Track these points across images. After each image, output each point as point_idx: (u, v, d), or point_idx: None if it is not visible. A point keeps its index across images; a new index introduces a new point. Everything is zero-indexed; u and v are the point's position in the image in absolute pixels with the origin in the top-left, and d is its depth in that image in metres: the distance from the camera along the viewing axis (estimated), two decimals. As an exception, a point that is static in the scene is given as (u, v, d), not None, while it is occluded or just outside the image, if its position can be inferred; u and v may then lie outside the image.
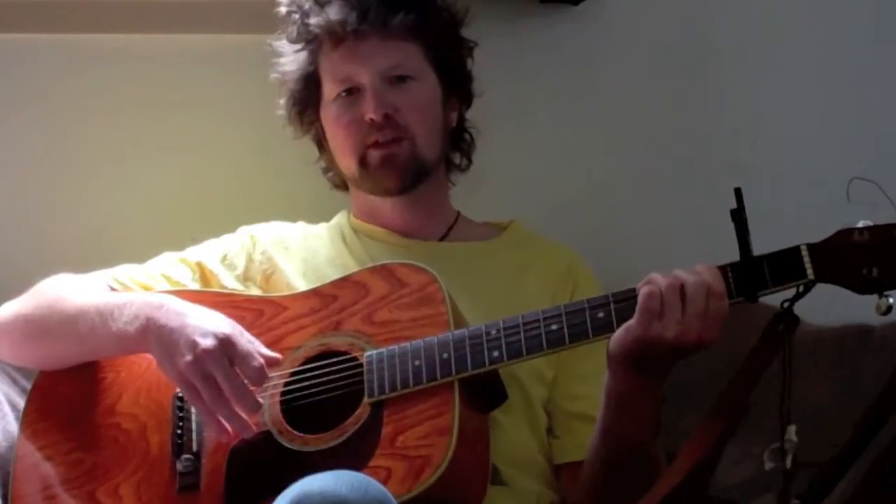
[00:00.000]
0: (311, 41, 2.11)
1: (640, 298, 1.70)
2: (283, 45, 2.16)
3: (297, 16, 2.12)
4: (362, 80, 2.07)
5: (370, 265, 1.97)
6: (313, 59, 2.12)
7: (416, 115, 2.08)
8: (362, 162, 2.09)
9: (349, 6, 2.06)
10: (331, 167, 2.22)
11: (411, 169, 2.08)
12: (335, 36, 2.08)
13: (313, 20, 2.09)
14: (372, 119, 2.05)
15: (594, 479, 1.89)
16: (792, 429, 1.67)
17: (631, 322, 1.71)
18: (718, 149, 2.59)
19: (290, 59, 2.15)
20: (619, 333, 1.73)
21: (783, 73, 2.59)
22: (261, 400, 1.83)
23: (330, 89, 2.11)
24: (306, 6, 2.10)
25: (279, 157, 2.41)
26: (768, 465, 1.68)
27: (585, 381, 2.00)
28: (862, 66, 2.60)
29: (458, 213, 2.22)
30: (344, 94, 2.09)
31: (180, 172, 2.49)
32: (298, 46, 2.13)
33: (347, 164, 2.12)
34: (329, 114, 2.12)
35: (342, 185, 2.23)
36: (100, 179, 2.49)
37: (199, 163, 2.50)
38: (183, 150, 2.50)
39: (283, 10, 2.15)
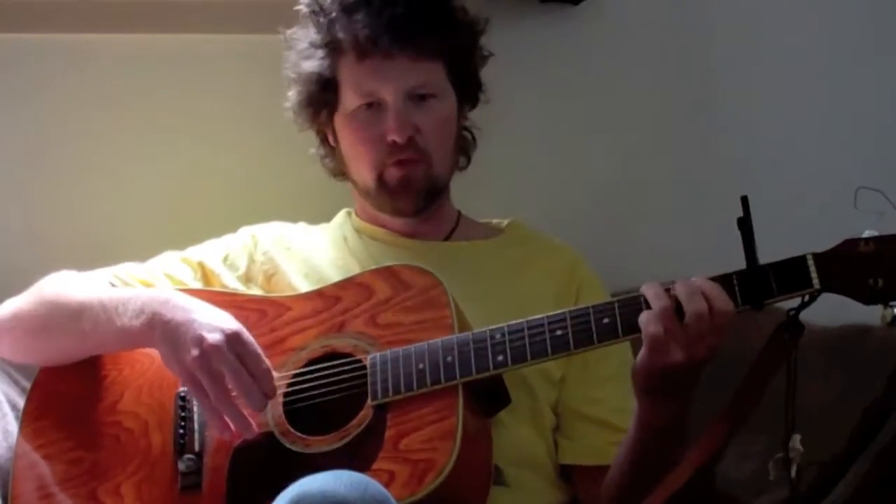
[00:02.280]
0: (336, 48, 2.08)
1: (642, 330, 1.71)
2: (301, 40, 2.12)
3: (322, 20, 2.08)
4: (386, 97, 2.04)
5: (374, 267, 1.97)
6: (334, 65, 2.09)
7: (436, 135, 2.07)
8: (380, 179, 2.07)
9: (379, 21, 2.02)
10: (329, 157, 2.20)
11: (426, 190, 2.08)
12: (362, 50, 2.04)
13: (342, 33, 2.05)
14: (394, 140, 2.03)
15: (619, 492, 1.91)
16: (797, 437, 1.67)
17: (642, 353, 1.72)
18: (720, 149, 2.60)
19: (310, 60, 2.10)
20: (636, 367, 1.74)
21: (788, 78, 2.60)
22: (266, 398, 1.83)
23: (351, 100, 2.08)
24: (333, 13, 2.07)
25: (279, 158, 2.41)
26: (773, 475, 1.68)
27: (603, 384, 2.02)
28: (869, 73, 2.61)
29: (460, 213, 2.22)
30: (365, 106, 2.07)
31: (180, 173, 2.50)
32: (321, 52, 2.09)
33: (363, 177, 2.10)
34: (348, 124, 2.10)
35: (341, 173, 2.21)
36: (100, 179, 2.49)
37: (200, 163, 2.50)
38: (183, 151, 2.50)
39: (304, 9, 2.12)
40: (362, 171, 2.09)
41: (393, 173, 2.06)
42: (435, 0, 2.09)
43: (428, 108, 2.07)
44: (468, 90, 2.16)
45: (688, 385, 1.76)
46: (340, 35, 2.05)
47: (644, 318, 1.70)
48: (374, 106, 2.06)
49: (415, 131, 2.05)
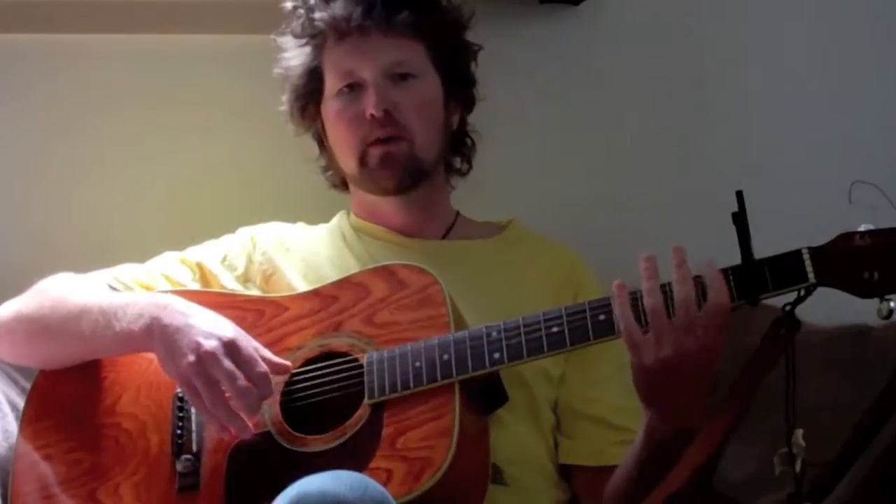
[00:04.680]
0: (316, 36, 2.12)
1: (622, 333, 1.72)
2: (288, 40, 2.17)
3: (302, 11, 2.13)
4: (364, 75, 2.07)
5: (371, 266, 1.97)
6: (317, 54, 2.13)
7: (416, 113, 2.08)
8: (362, 161, 2.09)
9: (354, 2, 2.08)
10: (330, 166, 2.22)
11: (409, 169, 2.09)
12: (339, 31, 2.09)
13: (318, 14, 2.10)
14: (372, 115, 2.05)
15: (621, 499, 1.91)
16: (799, 432, 1.67)
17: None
18: (718, 150, 2.60)
19: (294, 53, 2.15)
20: (633, 368, 1.74)
21: (784, 74, 2.60)
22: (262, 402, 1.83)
23: (332, 84, 2.11)
24: (312, 2, 2.11)
25: (278, 158, 2.40)
26: (778, 470, 1.68)
27: (601, 383, 2.02)
28: (863, 68, 2.61)
29: (458, 213, 2.22)
30: (346, 89, 2.10)
31: (179, 173, 2.49)
32: (303, 41, 2.14)
33: (347, 161, 2.12)
34: (330, 109, 2.13)
35: (341, 184, 2.23)
36: (99, 180, 2.49)
37: (199, 163, 2.50)
38: (182, 151, 2.50)
39: (288, 5, 2.16)
40: (345, 155, 2.12)
41: (373, 152, 2.08)
42: None
43: (407, 87, 2.09)
44: (455, 80, 2.17)
45: (690, 390, 1.73)
46: (318, 20, 2.09)
47: (617, 315, 1.72)
48: (354, 88, 2.09)
49: (393, 107, 2.06)
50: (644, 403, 1.79)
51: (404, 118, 2.07)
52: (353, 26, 2.08)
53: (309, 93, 2.15)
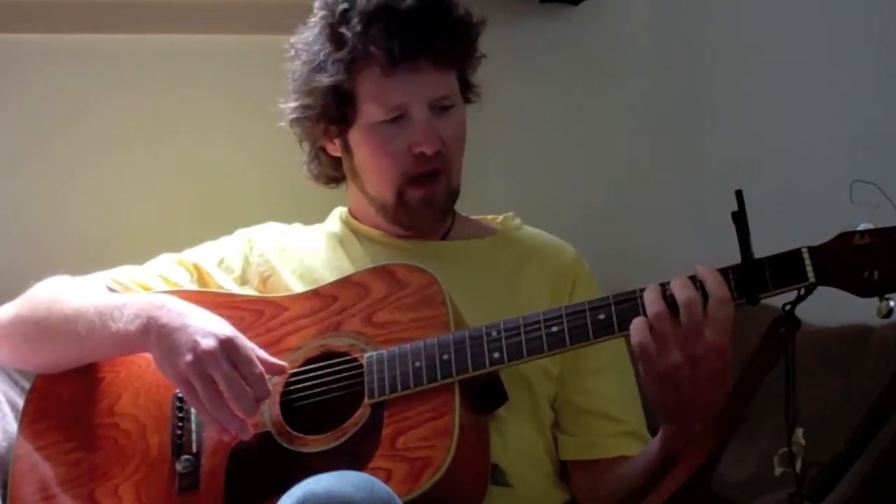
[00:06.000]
0: (359, 61, 2.01)
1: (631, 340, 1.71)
2: (313, 53, 2.06)
3: (346, 32, 2.00)
4: (414, 111, 2.01)
5: (370, 266, 1.97)
6: (352, 77, 2.02)
7: (457, 144, 2.06)
8: (400, 197, 2.04)
9: (410, 34, 1.98)
10: (317, 159, 2.17)
11: (446, 206, 2.08)
12: (390, 62, 1.98)
13: (373, 46, 1.99)
14: (422, 152, 2.01)
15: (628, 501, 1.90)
16: (799, 431, 1.66)
17: (641, 368, 1.72)
18: (719, 149, 2.60)
19: (324, 72, 2.03)
20: (644, 384, 1.73)
21: (784, 73, 2.60)
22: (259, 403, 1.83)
23: (374, 113, 2.02)
24: (358, 27, 2.00)
25: (276, 158, 2.39)
26: (778, 471, 1.67)
27: (597, 375, 2.02)
28: (863, 68, 2.62)
29: (455, 212, 2.19)
30: (389, 119, 2.03)
31: (177, 173, 2.50)
32: (340, 65, 2.02)
33: (383, 192, 2.06)
34: (369, 137, 2.04)
35: (327, 179, 2.19)
36: (98, 181, 2.50)
37: (197, 164, 2.51)
38: (180, 151, 2.50)
39: (320, 20, 2.05)
40: (382, 184, 2.06)
41: (414, 193, 2.04)
42: (449, 8, 2.05)
43: (449, 117, 2.05)
44: (468, 94, 2.14)
45: (706, 399, 1.71)
46: (371, 48, 1.98)
47: (632, 327, 1.70)
48: (397, 119, 2.02)
49: (440, 143, 2.03)
50: (661, 418, 1.79)
51: (448, 150, 2.04)
52: (407, 60, 1.98)
53: (338, 115, 2.05)
